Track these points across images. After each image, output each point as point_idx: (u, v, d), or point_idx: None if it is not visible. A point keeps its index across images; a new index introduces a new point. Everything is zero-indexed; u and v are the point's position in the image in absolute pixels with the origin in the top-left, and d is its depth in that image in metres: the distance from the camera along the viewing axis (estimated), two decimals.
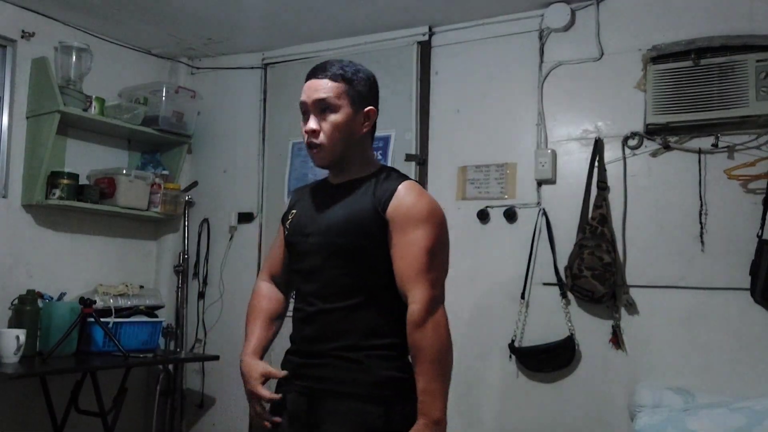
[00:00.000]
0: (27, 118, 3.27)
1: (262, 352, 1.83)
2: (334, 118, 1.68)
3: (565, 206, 3.01)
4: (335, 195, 1.76)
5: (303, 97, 1.72)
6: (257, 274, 3.61)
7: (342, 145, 1.70)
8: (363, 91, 1.72)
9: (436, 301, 1.61)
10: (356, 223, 1.67)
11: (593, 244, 2.82)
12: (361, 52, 3.54)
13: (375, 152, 3.33)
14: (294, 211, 1.84)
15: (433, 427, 1.56)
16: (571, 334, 2.92)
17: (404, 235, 1.63)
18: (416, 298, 1.60)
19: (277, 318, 1.90)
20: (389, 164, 3.36)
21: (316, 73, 1.71)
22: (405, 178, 1.75)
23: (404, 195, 1.67)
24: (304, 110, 1.72)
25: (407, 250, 1.62)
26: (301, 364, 1.73)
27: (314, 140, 1.70)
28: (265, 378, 1.75)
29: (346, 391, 1.64)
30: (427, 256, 1.62)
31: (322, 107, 1.68)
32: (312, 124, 1.69)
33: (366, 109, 1.73)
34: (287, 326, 1.88)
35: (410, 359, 1.64)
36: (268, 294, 1.91)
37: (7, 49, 3.27)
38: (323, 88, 1.69)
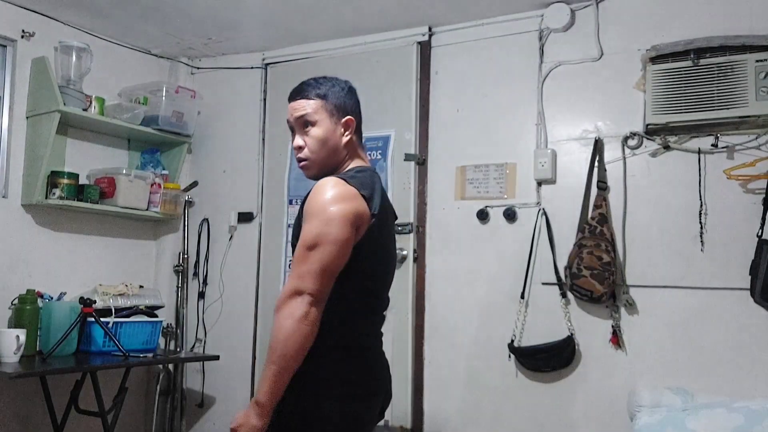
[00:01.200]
0: (27, 117, 3.28)
1: None
2: (314, 132, 1.82)
3: (565, 206, 3.01)
4: None
5: (287, 116, 1.88)
6: (255, 276, 3.59)
7: (325, 156, 1.82)
8: (338, 103, 1.84)
9: (296, 291, 1.60)
10: (297, 226, 1.80)
11: (593, 244, 2.82)
12: (361, 52, 3.54)
13: (375, 152, 3.39)
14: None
15: (253, 407, 1.61)
16: (571, 334, 2.92)
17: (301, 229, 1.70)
18: (284, 287, 1.64)
19: None
20: (389, 164, 3.36)
21: (293, 96, 1.87)
22: (344, 174, 1.77)
23: (312, 192, 1.70)
24: (291, 128, 1.88)
25: (299, 245, 1.67)
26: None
27: (300, 155, 1.84)
28: None
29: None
30: (302, 249, 1.64)
31: (303, 123, 1.83)
32: (297, 141, 1.85)
33: (344, 119, 1.84)
34: None
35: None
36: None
37: (7, 49, 3.27)
38: (301, 107, 1.84)
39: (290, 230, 1.78)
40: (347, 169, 1.84)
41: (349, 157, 1.87)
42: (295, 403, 1.64)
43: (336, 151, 1.84)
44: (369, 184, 1.75)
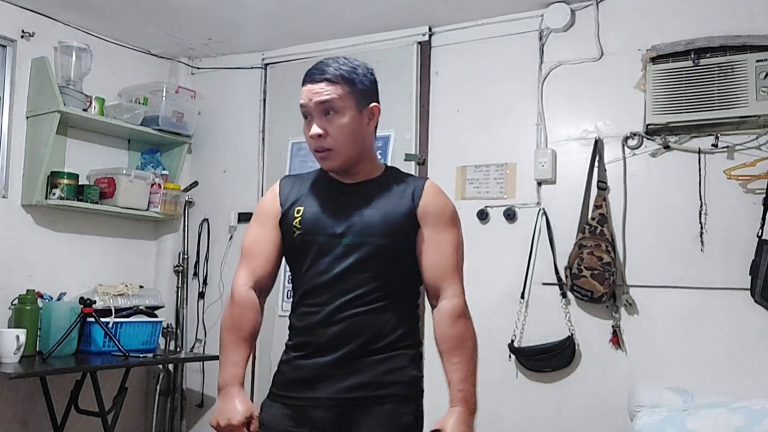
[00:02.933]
0: (27, 118, 3.27)
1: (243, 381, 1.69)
2: (339, 120, 1.63)
3: (565, 206, 3.01)
4: (355, 195, 1.71)
5: (303, 100, 1.65)
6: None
7: (353, 147, 1.67)
8: (364, 89, 1.68)
9: (465, 296, 1.71)
10: (395, 225, 1.65)
11: (593, 244, 2.82)
12: (361, 52, 3.54)
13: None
14: (301, 207, 1.70)
15: (473, 415, 1.69)
16: (571, 334, 2.92)
17: (437, 233, 1.67)
18: (455, 292, 1.68)
19: (256, 337, 1.75)
20: (389, 164, 3.36)
21: (313, 76, 1.65)
22: (417, 177, 1.80)
23: (435, 194, 1.71)
24: (305, 113, 1.67)
25: (442, 247, 1.67)
26: (321, 374, 1.63)
27: (323, 144, 1.64)
28: (247, 422, 1.61)
29: (384, 394, 1.64)
30: (457, 255, 1.70)
31: (325, 110, 1.63)
32: (315, 128, 1.63)
33: (370, 106, 1.69)
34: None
35: (443, 350, 1.71)
36: (253, 306, 1.71)
37: (7, 49, 3.27)
38: (324, 91, 1.63)
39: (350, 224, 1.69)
40: (385, 165, 1.79)
41: (370, 147, 1.74)
42: (421, 407, 1.78)
43: (362, 141, 1.68)
44: None
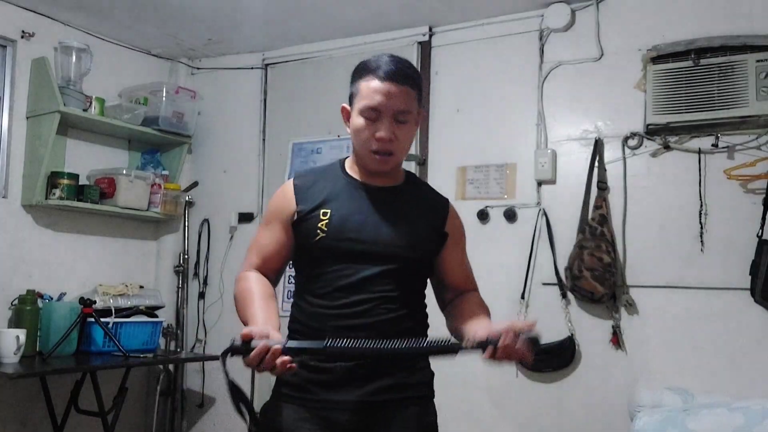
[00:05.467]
0: (27, 118, 3.28)
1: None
2: (408, 128, 1.64)
3: (565, 206, 3.01)
4: (384, 201, 1.68)
5: (379, 102, 1.59)
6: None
7: (406, 155, 1.71)
8: (421, 94, 1.70)
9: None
10: (423, 238, 1.69)
11: (593, 245, 2.82)
12: (361, 52, 3.53)
13: None
14: (327, 210, 1.64)
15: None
16: (571, 335, 2.92)
17: (458, 247, 1.79)
18: (474, 283, 1.87)
19: (275, 297, 1.67)
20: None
21: (395, 78, 1.61)
22: (434, 189, 1.84)
23: (455, 215, 1.80)
24: (376, 116, 1.61)
25: (464, 260, 1.82)
26: (346, 376, 1.59)
27: (390, 148, 1.62)
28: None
29: (410, 396, 1.65)
30: (470, 266, 1.87)
31: (398, 118, 1.61)
32: (388, 132, 1.60)
33: (421, 111, 1.71)
34: None
35: (465, 307, 1.73)
36: (260, 276, 1.67)
37: (7, 49, 3.27)
38: (405, 97, 1.61)
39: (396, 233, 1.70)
40: (405, 171, 1.80)
41: None
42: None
43: (407, 152, 1.73)
44: None
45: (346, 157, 1.78)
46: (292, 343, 1.42)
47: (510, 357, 1.44)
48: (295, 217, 1.66)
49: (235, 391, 1.43)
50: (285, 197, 1.70)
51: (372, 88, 1.61)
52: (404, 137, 1.64)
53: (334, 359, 1.58)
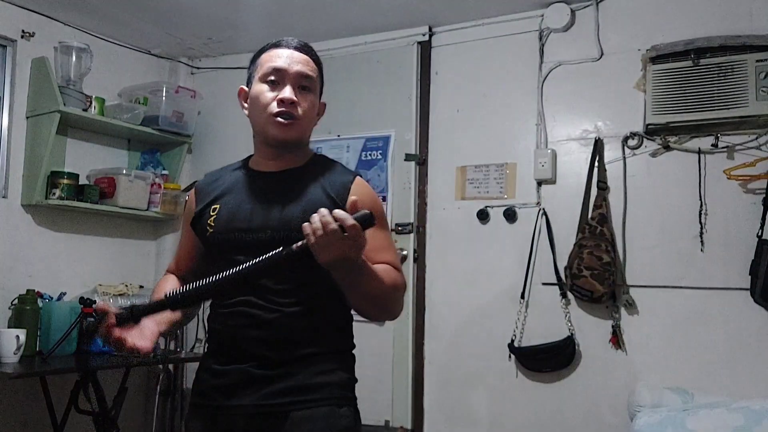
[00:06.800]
0: (27, 118, 3.27)
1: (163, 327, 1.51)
2: (311, 98, 1.60)
3: (565, 206, 3.01)
4: (275, 185, 1.60)
5: (280, 63, 1.58)
6: None
7: (308, 128, 1.63)
8: (322, 82, 1.67)
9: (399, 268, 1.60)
10: None
11: (593, 244, 2.82)
12: (361, 52, 3.54)
13: (375, 152, 3.39)
14: (217, 205, 1.61)
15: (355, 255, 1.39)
16: (571, 334, 2.92)
17: (374, 230, 1.47)
18: (395, 262, 1.59)
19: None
20: (389, 164, 3.36)
21: (295, 46, 1.61)
22: (347, 168, 1.68)
23: (362, 186, 1.59)
24: (278, 78, 1.58)
25: (375, 241, 1.50)
26: (247, 379, 1.49)
27: (293, 111, 1.56)
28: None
29: (317, 398, 1.50)
30: (392, 248, 1.62)
31: (301, 83, 1.58)
32: (291, 93, 1.56)
33: (322, 102, 1.67)
34: None
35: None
36: (169, 278, 1.71)
37: (7, 49, 3.26)
38: (307, 63, 1.60)
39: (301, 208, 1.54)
40: (313, 154, 1.68)
41: (309, 138, 1.67)
42: (356, 409, 1.59)
43: (311, 129, 1.64)
44: None
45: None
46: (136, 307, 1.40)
47: (331, 239, 1.29)
48: (192, 217, 1.65)
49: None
50: (189, 199, 1.71)
51: (274, 53, 1.60)
52: (308, 106, 1.58)
53: (229, 362, 1.51)
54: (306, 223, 1.32)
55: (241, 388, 1.50)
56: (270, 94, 1.58)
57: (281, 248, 1.34)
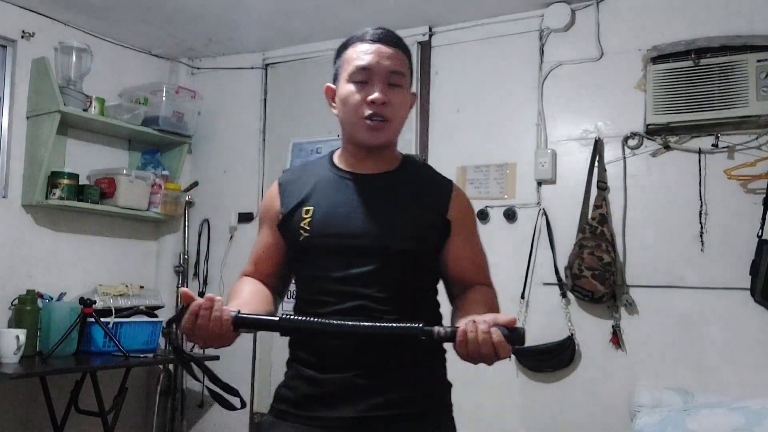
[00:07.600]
0: (27, 118, 3.28)
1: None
2: (402, 94, 1.50)
3: (565, 206, 3.01)
4: (372, 190, 1.53)
5: (369, 61, 1.47)
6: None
7: (400, 128, 1.54)
8: (411, 73, 1.56)
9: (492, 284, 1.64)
10: (421, 226, 1.51)
11: (593, 244, 2.82)
12: None
13: None
14: (310, 207, 1.52)
15: None
16: (571, 334, 2.92)
17: (464, 235, 1.59)
18: (487, 277, 1.64)
19: (271, 300, 1.56)
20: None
21: (382, 39, 1.49)
22: (440, 174, 1.65)
23: (461, 196, 1.60)
24: (367, 77, 1.47)
25: (472, 248, 1.61)
26: (349, 388, 1.44)
27: (384, 112, 1.47)
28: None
29: (417, 411, 1.46)
30: (484, 255, 1.66)
31: (391, 80, 1.48)
32: (381, 93, 1.46)
33: (413, 93, 1.57)
34: None
35: (465, 300, 1.55)
36: (251, 281, 1.59)
37: (7, 49, 3.27)
38: (396, 58, 1.49)
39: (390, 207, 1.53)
40: (402, 156, 1.62)
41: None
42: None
43: (401, 128, 1.55)
44: None
45: (337, 149, 1.63)
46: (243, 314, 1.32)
47: (481, 350, 1.26)
48: (280, 218, 1.56)
49: (179, 352, 1.37)
50: (270, 198, 1.61)
51: (360, 50, 1.49)
52: (399, 103, 1.49)
53: (325, 371, 1.46)
54: (464, 324, 1.28)
55: (343, 398, 1.44)
56: (359, 96, 1.47)
57: (419, 323, 1.30)
